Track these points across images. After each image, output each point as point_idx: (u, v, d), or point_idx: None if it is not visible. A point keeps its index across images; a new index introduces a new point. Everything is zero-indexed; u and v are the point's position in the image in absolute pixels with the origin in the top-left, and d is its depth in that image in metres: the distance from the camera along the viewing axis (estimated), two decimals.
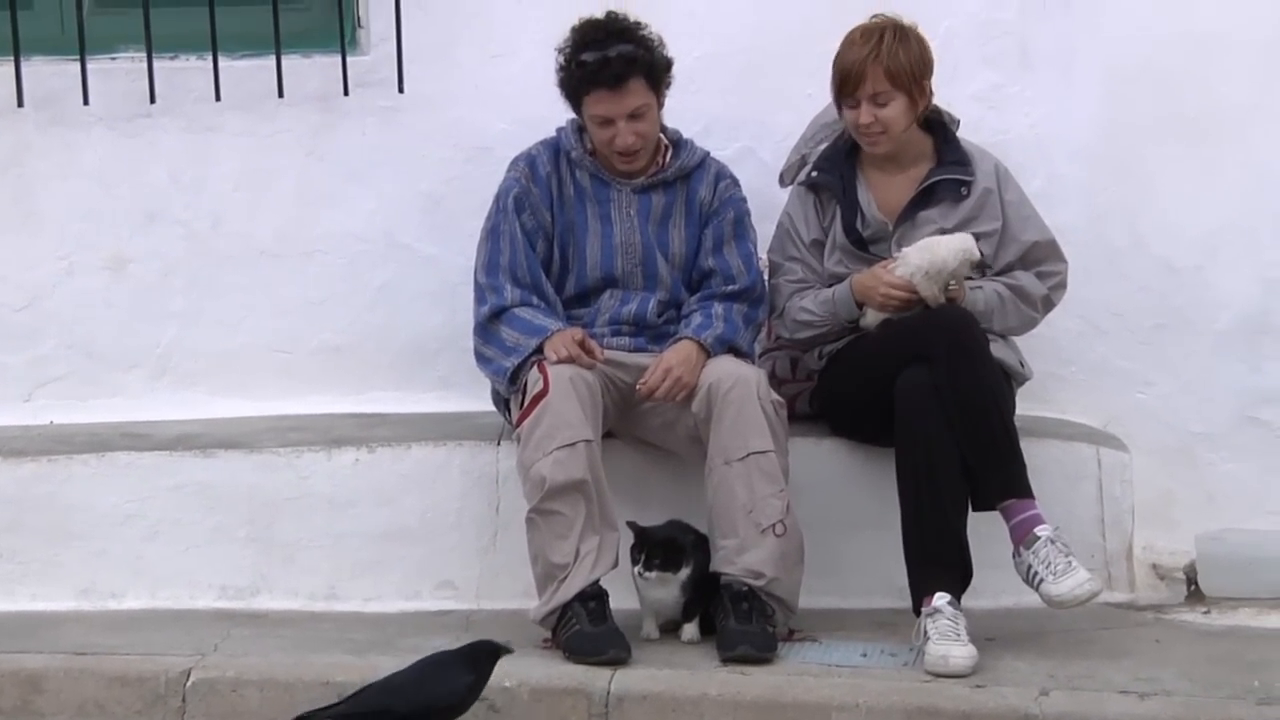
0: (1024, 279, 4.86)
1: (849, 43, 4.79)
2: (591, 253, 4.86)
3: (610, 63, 4.71)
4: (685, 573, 4.56)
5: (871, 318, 4.78)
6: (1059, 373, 5.27)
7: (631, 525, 4.59)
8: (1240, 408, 5.39)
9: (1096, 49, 5.34)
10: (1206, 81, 5.33)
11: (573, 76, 4.78)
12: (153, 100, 5.28)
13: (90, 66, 5.25)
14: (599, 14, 4.78)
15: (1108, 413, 5.32)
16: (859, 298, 4.78)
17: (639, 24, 4.78)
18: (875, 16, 4.83)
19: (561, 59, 4.80)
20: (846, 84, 4.76)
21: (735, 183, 4.96)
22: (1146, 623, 4.82)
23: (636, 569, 4.56)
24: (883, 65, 4.73)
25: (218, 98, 5.30)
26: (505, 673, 4.27)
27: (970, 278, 4.75)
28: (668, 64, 4.81)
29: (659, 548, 4.55)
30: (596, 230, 4.86)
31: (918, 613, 4.47)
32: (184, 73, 5.32)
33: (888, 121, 4.78)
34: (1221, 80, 5.33)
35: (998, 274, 4.86)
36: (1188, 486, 5.33)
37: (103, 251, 5.39)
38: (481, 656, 4.02)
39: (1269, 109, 5.34)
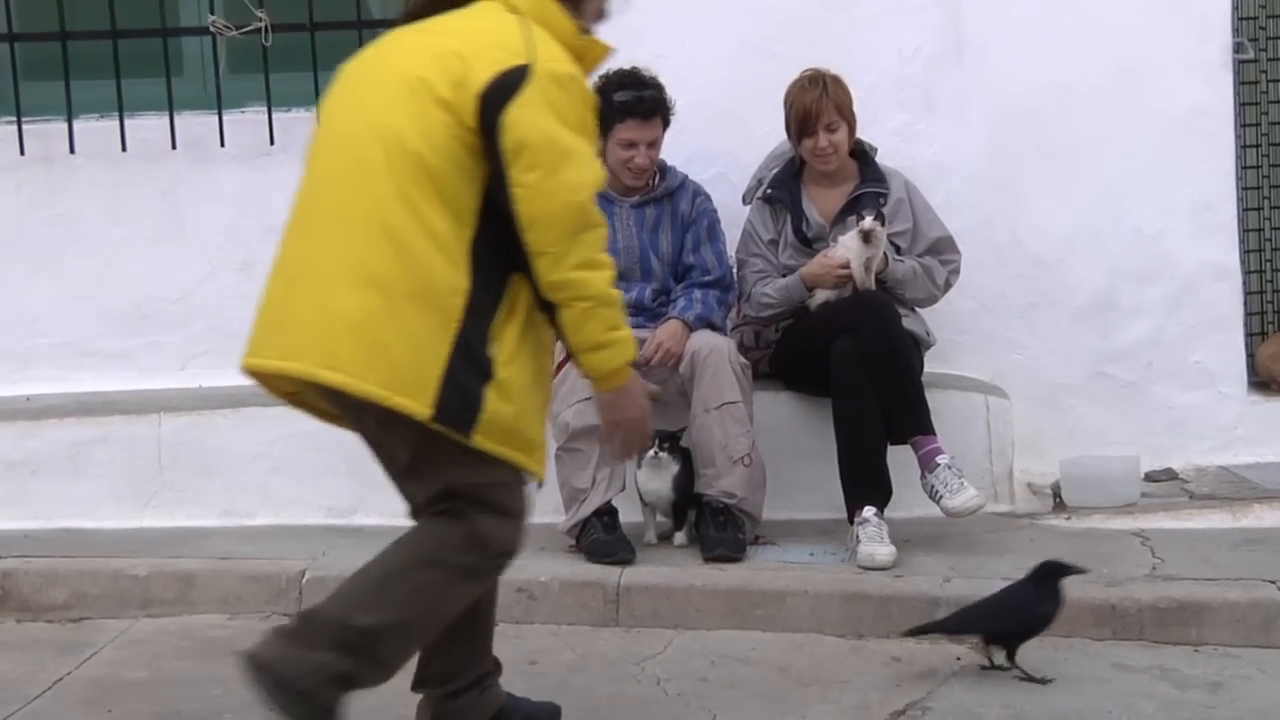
0: (931, 263, 4.80)
1: (801, 89, 4.71)
2: None
3: (644, 100, 4.65)
4: (677, 468, 4.50)
5: (817, 298, 4.72)
6: (956, 339, 5.20)
7: None
8: (1092, 365, 5.35)
9: (983, 96, 5.28)
10: (1066, 120, 5.28)
11: (608, 108, 4.53)
12: (272, 143, 5.26)
13: (225, 118, 5.24)
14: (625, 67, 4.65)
15: (993, 369, 5.26)
16: (808, 284, 4.72)
17: (657, 79, 4.71)
18: (808, 70, 4.77)
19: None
20: (808, 120, 4.69)
21: (708, 198, 4.91)
22: (1023, 527, 4.79)
23: (649, 453, 4.44)
24: (832, 102, 4.68)
25: None
26: (540, 569, 4.27)
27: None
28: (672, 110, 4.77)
29: (666, 438, 4.48)
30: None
31: (851, 522, 4.45)
32: (295, 122, 5.25)
33: (838, 144, 4.73)
34: (1077, 119, 5.28)
35: None
36: (1053, 425, 5.28)
37: (236, 257, 5.30)
38: (1052, 577, 3.77)
39: (1111, 141, 5.28)
